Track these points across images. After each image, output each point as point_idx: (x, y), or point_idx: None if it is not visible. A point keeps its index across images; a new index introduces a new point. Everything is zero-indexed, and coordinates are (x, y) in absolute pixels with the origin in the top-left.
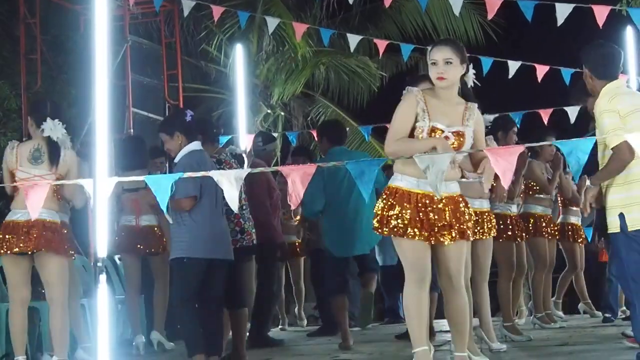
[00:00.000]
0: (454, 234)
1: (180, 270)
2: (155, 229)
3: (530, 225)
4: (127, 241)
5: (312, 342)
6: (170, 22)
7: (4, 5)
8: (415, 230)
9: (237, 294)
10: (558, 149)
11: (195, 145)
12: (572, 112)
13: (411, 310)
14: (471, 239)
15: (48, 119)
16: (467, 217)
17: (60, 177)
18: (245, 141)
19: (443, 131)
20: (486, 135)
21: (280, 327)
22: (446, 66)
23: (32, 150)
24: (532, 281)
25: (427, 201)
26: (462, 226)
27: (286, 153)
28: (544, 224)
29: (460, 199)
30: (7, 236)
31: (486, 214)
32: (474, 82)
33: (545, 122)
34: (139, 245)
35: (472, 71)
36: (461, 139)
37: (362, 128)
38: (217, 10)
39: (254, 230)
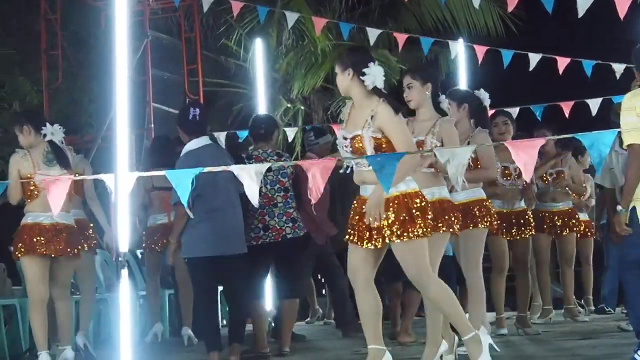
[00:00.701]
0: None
1: (188, 270)
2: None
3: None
4: (158, 239)
5: (334, 336)
6: (190, 17)
7: (24, 1)
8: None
9: (286, 285)
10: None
11: (196, 143)
12: (594, 104)
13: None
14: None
15: (47, 124)
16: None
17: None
18: None
19: None
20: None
21: (306, 320)
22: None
23: (45, 153)
24: (562, 275)
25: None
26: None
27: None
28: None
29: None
30: (26, 237)
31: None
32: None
33: (567, 115)
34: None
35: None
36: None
37: None
38: (236, 5)
39: (287, 225)
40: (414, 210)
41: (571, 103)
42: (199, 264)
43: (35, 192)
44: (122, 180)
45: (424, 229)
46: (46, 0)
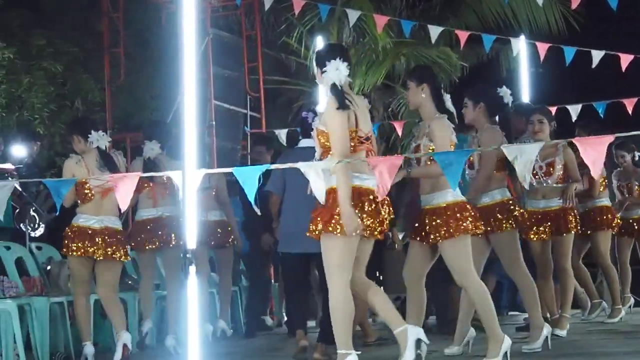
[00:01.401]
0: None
1: (282, 264)
2: (223, 223)
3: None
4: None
5: None
6: (251, 14)
7: (87, 0)
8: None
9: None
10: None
11: (306, 142)
12: None
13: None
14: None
15: (92, 132)
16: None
17: None
18: None
19: None
20: None
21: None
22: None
23: (97, 159)
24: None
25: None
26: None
27: None
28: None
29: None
30: (75, 238)
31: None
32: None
33: (630, 112)
34: (210, 239)
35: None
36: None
37: None
38: (297, 3)
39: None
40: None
41: (634, 100)
42: (289, 259)
43: (89, 196)
44: (190, 177)
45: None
46: None
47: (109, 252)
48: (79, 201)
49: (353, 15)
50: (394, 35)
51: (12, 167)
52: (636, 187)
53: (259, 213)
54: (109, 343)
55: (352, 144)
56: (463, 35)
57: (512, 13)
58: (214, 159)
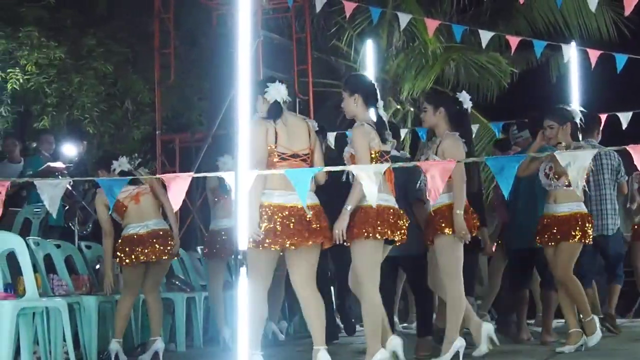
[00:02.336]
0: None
1: None
2: None
3: None
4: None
5: None
6: (301, 17)
7: (138, 1)
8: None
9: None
10: None
11: None
12: None
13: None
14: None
15: (113, 162)
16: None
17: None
18: None
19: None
20: None
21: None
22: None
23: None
24: None
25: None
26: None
27: (415, 149)
28: None
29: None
30: (127, 248)
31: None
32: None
33: None
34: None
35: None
36: None
37: (493, 124)
38: (349, 6)
39: None
40: None
41: None
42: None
43: (124, 209)
44: (243, 178)
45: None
46: (160, 0)
47: (158, 254)
48: (122, 219)
49: (404, 19)
50: (444, 40)
51: (63, 165)
52: None
53: (309, 215)
54: None
55: (271, 159)
56: (514, 41)
57: (563, 19)
58: None
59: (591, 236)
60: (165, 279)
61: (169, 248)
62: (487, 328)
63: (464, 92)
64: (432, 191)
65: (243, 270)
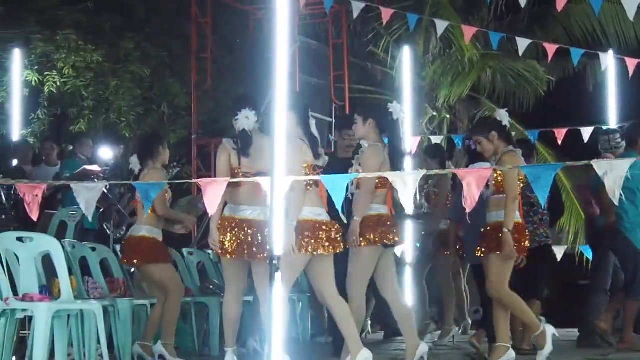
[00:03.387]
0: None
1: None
2: None
3: None
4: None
5: None
6: (338, 23)
7: (176, 5)
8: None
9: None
10: None
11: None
12: None
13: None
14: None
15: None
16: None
17: None
18: (410, 143)
19: None
20: None
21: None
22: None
23: None
24: None
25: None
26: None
27: (451, 156)
28: None
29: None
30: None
31: None
32: None
33: None
34: None
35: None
36: None
37: (529, 132)
38: (386, 13)
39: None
40: None
41: None
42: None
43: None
44: (279, 183)
45: None
46: (197, 4)
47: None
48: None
49: (441, 25)
50: (481, 47)
51: (99, 169)
52: None
53: (345, 221)
54: (188, 347)
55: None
56: (551, 49)
57: (600, 27)
58: None
59: (526, 248)
60: (200, 283)
61: None
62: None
63: (395, 102)
64: (468, 199)
65: (278, 275)
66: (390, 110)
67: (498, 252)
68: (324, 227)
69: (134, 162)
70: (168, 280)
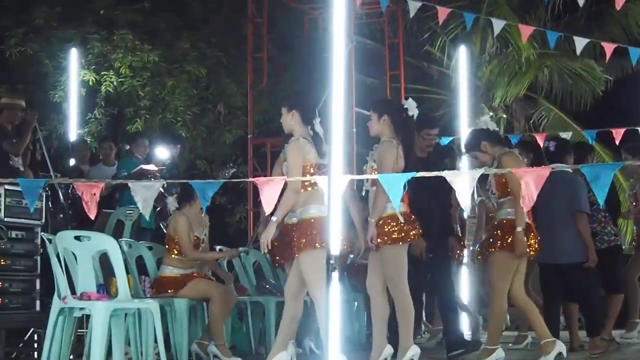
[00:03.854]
0: None
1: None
2: None
3: None
4: None
5: None
6: (394, 22)
7: (232, 5)
8: None
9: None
10: None
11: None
12: None
13: None
14: None
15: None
16: None
17: None
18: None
19: None
20: None
21: None
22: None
23: None
24: None
25: None
26: None
27: None
28: None
29: None
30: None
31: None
32: None
33: None
34: None
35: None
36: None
37: (586, 132)
38: (442, 12)
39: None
40: None
41: None
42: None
43: None
44: (336, 182)
45: None
46: (253, 4)
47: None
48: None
49: (498, 24)
50: (538, 46)
51: (156, 168)
52: None
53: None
54: (245, 346)
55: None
56: (609, 48)
57: None
58: (353, 165)
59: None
60: (256, 282)
61: None
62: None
63: (410, 99)
64: (526, 198)
65: (335, 275)
66: (405, 107)
67: (503, 251)
68: None
69: (171, 202)
70: (204, 291)
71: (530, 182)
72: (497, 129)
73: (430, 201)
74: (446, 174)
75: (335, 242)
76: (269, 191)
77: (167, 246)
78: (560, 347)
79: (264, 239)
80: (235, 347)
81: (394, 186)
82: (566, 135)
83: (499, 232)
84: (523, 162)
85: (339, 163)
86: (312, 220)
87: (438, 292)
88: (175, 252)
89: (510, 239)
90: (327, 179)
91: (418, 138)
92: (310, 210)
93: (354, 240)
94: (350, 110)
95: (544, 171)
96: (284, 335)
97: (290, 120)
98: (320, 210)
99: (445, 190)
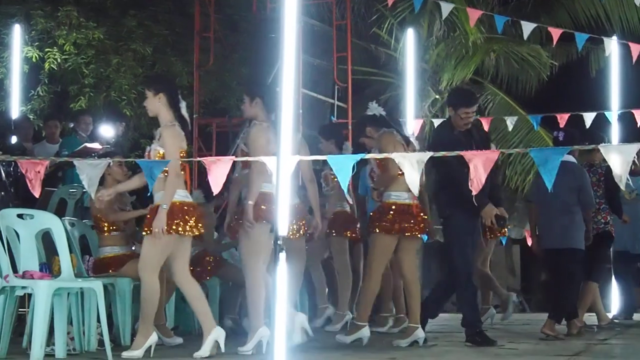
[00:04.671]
0: None
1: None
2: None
3: None
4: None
5: None
6: (342, 4)
7: None
8: None
9: None
10: None
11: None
12: None
13: None
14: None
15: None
16: None
17: None
18: (412, 126)
19: None
20: None
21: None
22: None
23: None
24: None
25: None
26: None
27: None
28: None
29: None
30: None
31: None
32: None
33: None
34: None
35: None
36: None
37: (531, 117)
38: None
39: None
40: None
41: None
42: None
43: None
44: (285, 163)
45: None
46: None
47: None
48: None
49: (445, 8)
50: (485, 31)
51: (100, 146)
52: None
53: (350, 202)
54: (187, 326)
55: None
56: (556, 33)
57: (605, 13)
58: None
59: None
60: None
61: None
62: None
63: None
64: (474, 181)
65: (282, 255)
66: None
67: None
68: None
69: None
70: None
71: (479, 165)
72: (384, 114)
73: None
74: (395, 156)
75: (283, 222)
76: (217, 171)
77: (97, 228)
78: (419, 335)
79: (156, 226)
80: (178, 327)
81: (343, 168)
82: (511, 119)
83: (377, 214)
84: (400, 142)
85: (288, 144)
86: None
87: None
88: (106, 227)
89: (388, 219)
90: (276, 159)
91: (455, 117)
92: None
93: (311, 220)
94: (298, 92)
95: (493, 155)
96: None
97: (157, 103)
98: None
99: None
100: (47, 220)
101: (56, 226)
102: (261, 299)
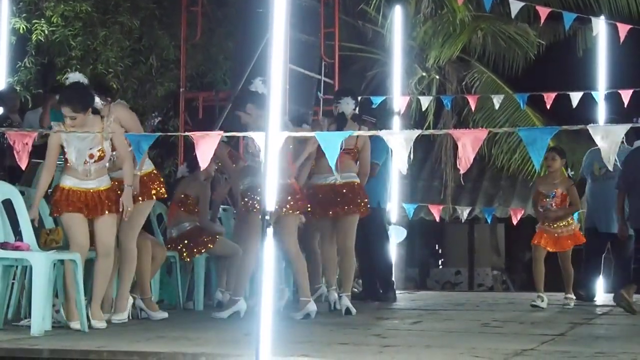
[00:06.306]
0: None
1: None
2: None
3: None
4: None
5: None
6: None
7: None
8: None
9: None
10: None
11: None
12: None
13: None
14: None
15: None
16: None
17: None
18: (399, 102)
19: None
20: None
21: None
22: None
23: None
24: None
25: None
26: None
27: (439, 117)
28: None
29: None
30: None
31: None
32: None
33: None
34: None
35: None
36: None
37: (518, 95)
38: None
39: None
40: None
41: None
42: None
43: None
44: (273, 139)
45: None
46: None
47: None
48: None
49: None
50: (473, 9)
51: None
52: None
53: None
54: (172, 301)
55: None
56: (543, 12)
57: None
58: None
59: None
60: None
61: None
62: None
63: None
64: (462, 160)
65: (269, 230)
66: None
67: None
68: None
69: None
70: None
71: (467, 143)
72: (265, 92)
73: None
74: (382, 133)
75: (270, 198)
76: (205, 146)
77: None
78: (311, 309)
79: (127, 206)
80: (163, 301)
81: (330, 145)
82: (498, 98)
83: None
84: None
85: (277, 118)
86: None
87: None
88: None
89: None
90: (264, 135)
91: None
92: None
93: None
94: (285, 67)
95: (481, 133)
96: None
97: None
98: None
99: None
100: (7, 191)
101: (16, 197)
102: (247, 274)
